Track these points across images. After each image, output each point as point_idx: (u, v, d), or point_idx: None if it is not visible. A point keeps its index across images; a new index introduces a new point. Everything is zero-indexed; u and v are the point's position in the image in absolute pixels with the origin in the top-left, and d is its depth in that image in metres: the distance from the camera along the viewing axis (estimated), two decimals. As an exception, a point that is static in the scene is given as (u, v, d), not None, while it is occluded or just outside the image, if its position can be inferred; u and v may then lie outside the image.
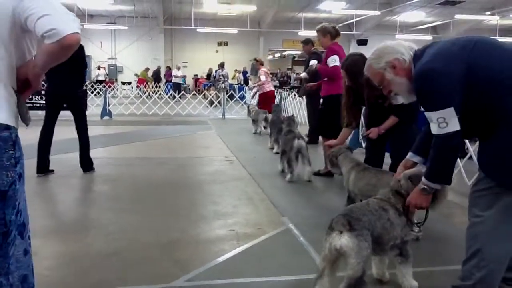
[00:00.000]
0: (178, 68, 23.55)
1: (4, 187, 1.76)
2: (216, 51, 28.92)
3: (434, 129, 2.21)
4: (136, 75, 27.06)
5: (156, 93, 18.64)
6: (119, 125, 11.82)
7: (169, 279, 2.93)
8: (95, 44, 28.01)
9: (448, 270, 3.06)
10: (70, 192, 5.40)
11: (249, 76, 28.08)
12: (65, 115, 6.09)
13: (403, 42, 2.50)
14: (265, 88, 11.74)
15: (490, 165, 2.24)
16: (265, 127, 10.63)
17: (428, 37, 27.30)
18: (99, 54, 28.35)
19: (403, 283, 2.70)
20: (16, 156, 1.80)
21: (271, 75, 27.27)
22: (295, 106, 13.29)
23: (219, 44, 29.11)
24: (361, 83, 4.13)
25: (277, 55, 37.08)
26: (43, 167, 5.74)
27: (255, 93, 12.71)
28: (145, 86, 24.29)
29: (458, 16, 24.63)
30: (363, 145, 6.72)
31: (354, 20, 25.90)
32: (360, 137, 7.29)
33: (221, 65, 18.69)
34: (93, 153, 6.13)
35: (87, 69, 6.30)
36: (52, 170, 5.86)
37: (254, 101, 16.28)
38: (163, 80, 25.81)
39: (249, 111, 11.16)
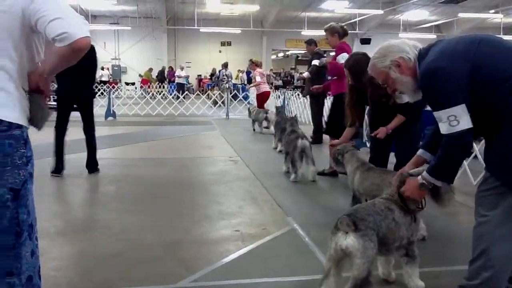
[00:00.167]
0: (182, 68, 23.57)
1: (17, 186, 1.78)
2: (219, 51, 28.94)
3: (444, 128, 2.18)
4: (140, 75, 27.12)
5: (160, 94, 18.65)
6: (123, 125, 11.84)
7: (174, 279, 2.93)
8: (99, 45, 27.99)
9: (454, 270, 3.05)
10: (75, 192, 5.42)
11: (252, 76, 28.10)
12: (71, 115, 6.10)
13: (407, 41, 2.48)
14: (261, 88, 12.06)
15: (494, 164, 2.23)
16: (266, 127, 10.65)
17: (432, 36, 27.22)
18: (103, 55, 28.34)
19: (409, 283, 2.69)
20: (27, 155, 1.83)
21: (274, 75, 27.48)
22: (298, 106, 13.27)
23: (222, 44, 29.14)
24: (364, 83, 4.13)
25: (280, 54, 37.08)
26: (60, 168, 5.79)
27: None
28: (149, 87, 24.33)
29: (461, 15, 24.53)
30: (368, 145, 6.71)
31: (357, 19, 25.85)
32: (365, 137, 7.28)
33: (225, 65, 18.71)
34: (98, 154, 6.14)
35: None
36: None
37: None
38: (167, 80, 25.86)
39: (250, 112, 11.22)
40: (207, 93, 18.04)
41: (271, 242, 3.64)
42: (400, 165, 2.83)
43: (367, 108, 4.58)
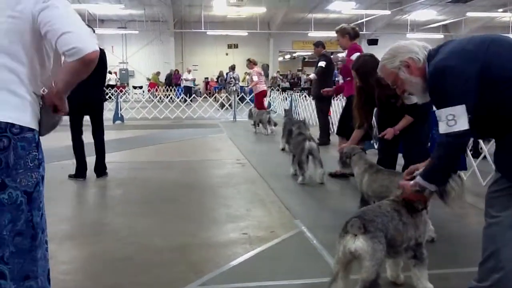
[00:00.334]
0: (189, 71, 23.65)
1: (30, 189, 1.81)
2: (226, 54, 28.99)
3: (442, 128, 2.17)
4: (148, 79, 27.23)
5: (167, 97, 18.74)
6: (131, 129, 11.89)
7: (182, 283, 2.93)
8: (106, 49, 27.86)
9: (463, 272, 3.01)
10: (83, 196, 5.46)
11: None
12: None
13: (417, 42, 2.47)
14: (259, 88, 12.33)
15: (504, 165, 2.21)
16: (275, 124, 10.65)
17: (440, 36, 27.06)
18: (111, 59, 28.17)
19: (418, 286, 2.67)
20: (39, 158, 1.85)
21: (281, 77, 27.48)
22: (306, 108, 13.25)
23: (229, 46, 29.19)
24: (371, 84, 4.12)
25: (287, 56, 37.05)
26: (81, 172, 5.85)
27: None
28: (156, 90, 24.43)
29: (469, 14, 24.35)
30: (375, 146, 6.69)
31: (364, 20, 25.75)
32: (372, 138, 7.26)
33: (232, 68, 18.77)
34: (106, 158, 6.17)
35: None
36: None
37: (265, 103, 16.31)
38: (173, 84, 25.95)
39: (251, 113, 11.28)
40: (214, 96, 18.07)
41: (279, 245, 3.63)
42: (408, 166, 2.81)
43: (375, 110, 4.56)
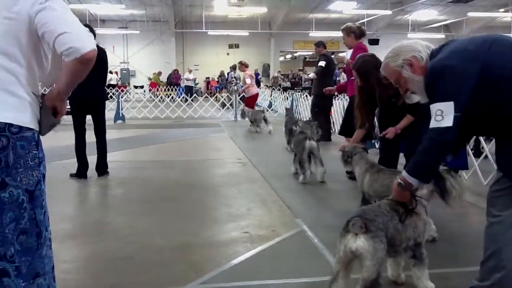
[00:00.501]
0: (190, 71, 23.65)
1: (31, 187, 1.82)
2: (227, 54, 28.98)
3: (431, 123, 2.19)
4: (149, 78, 27.24)
5: (168, 97, 18.75)
6: (132, 128, 11.90)
7: (183, 282, 2.93)
8: (108, 49, 28.01)
9: (465, 271, 3.01)
10: (84, 195, 5.46)
11: (260, 78, 28.12)
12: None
13: (420, 41, 2.48)
14: (251, 91, 12.50)
15: (506, 165, 2.21)
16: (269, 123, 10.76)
17: (441, 36, 27.03)
18: (112, 59, 28.28)
19: (418, 285, 2.66)
20: (39, 156, 1.86)
21: (282, 77, 27.47)
22: (307, 107, 13.23)
23: (230, 46, 29.17)
24: (372, 84, 4.11)
25: (288, 56, 37.03)
26: (82, 171, 5.86)
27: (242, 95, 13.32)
28: (158, 90, 24.44)
29: (470, 14, 24.32)
30: (377, 146, 6.68)
31: (365, 19, 25.71)
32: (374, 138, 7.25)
33: (233, 67, 18.73)
34: (107, 157, 6.17)
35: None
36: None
37: (266, 103, 16.37)
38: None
39: (243, 113, 11.33)
40: (215, 96, 18.07)
41: (280, 244, 3.63)
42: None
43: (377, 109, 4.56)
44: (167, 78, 26.23)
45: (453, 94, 2.12)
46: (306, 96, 13.73)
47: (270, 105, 17.48)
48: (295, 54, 36.38)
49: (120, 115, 13.54)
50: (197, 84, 26.86)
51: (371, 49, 6.05)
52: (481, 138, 6.09)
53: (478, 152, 6.40)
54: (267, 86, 25.55)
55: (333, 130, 9.39)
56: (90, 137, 6.04)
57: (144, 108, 15.02)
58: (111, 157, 6.40)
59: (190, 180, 6.00)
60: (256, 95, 12.80)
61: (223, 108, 16.42)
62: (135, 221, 4.27)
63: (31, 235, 1.82)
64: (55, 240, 3.47)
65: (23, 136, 1.79)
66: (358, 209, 2.73)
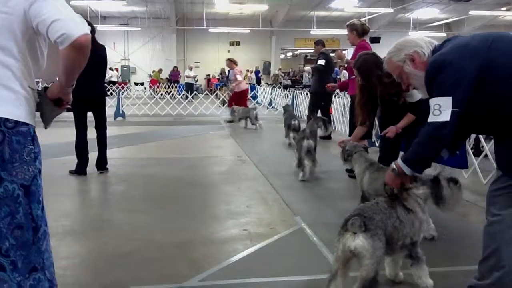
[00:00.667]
0: (191, 69, 23.62)
1: (27, 182, 1.81)
2: (228, 51, 28.94)
3: (429, 117, 2.20)
4: (150, 75, 27.22)
5: (168, 94, 18.73)
6: (132, 125, 11.89)
7: (182, 279, 2.94)
8: (108, 46, 28.04)
9: (464, 270, 3.01)
10: (84, 192, 5.46)
11: (261, 76, 28.09)
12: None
13: (424, 37, 2.48)
14: (241, 86, 12.63)
15: (506, 163, 2.20)
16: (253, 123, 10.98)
17: (442, 34, 26.97)
18: (113, 55, 28.42)
19: (419, 283, 2.66)
20: (35, 151, 1.85)
21: (282, 74, 27.45)
22: (307, 105, 13.21)
23: (231, 44, 29.15)
24: (373, 82, 4.10)
25: (289, 54, 37.00)
26: (84, 167, 5.85)
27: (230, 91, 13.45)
28: (158, 87, 24.43)
29: (472, 12, 24.30)
30: (377, 144, 6.68)
31: (366, 17, 25.67)
32: (373, 136, 7.24)
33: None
34: (107, 154, 6.18)
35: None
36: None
37: (267, 100, 16.34)
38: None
39: (233, 111, 11.41)
40: (215, 93, 18.06)
41: (279, 242, 3.64)
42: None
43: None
44: (169, 75, 26.22)
45: (452, 89, 2.13)
46: (307, 94, 13.71)
47: (270, 103, 17.46)
48: (296, 52, 36.34)
49: (120, 112, 13.52)
50: (197, 81, 26.85)
51: (372, 47, 6.03)
52: (481, 137, 6.09)
53: (478, 151, 6.39)
54: (267, 84, 25.53)
55: (334, 128, 9.38)
56: (90, 133, 6.03)
57: (144, 105, 15.01)
58: (110, 154, 6.40)
59: (190, 177, 6.00)
60: (246, 91, 12.94)
61: (223, 105, 16.40)
62: (135, 217, 4.27)
63: (27, 229, 1.81)
64: (54, 236, 3.49)
65: (19, 131, 1.78)
66: (357, 207, 2.73)
